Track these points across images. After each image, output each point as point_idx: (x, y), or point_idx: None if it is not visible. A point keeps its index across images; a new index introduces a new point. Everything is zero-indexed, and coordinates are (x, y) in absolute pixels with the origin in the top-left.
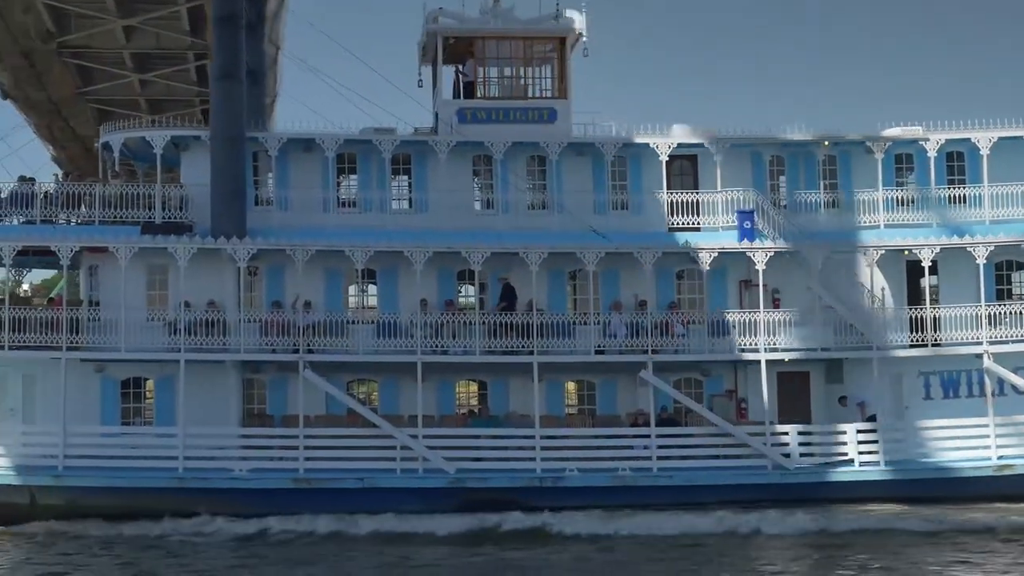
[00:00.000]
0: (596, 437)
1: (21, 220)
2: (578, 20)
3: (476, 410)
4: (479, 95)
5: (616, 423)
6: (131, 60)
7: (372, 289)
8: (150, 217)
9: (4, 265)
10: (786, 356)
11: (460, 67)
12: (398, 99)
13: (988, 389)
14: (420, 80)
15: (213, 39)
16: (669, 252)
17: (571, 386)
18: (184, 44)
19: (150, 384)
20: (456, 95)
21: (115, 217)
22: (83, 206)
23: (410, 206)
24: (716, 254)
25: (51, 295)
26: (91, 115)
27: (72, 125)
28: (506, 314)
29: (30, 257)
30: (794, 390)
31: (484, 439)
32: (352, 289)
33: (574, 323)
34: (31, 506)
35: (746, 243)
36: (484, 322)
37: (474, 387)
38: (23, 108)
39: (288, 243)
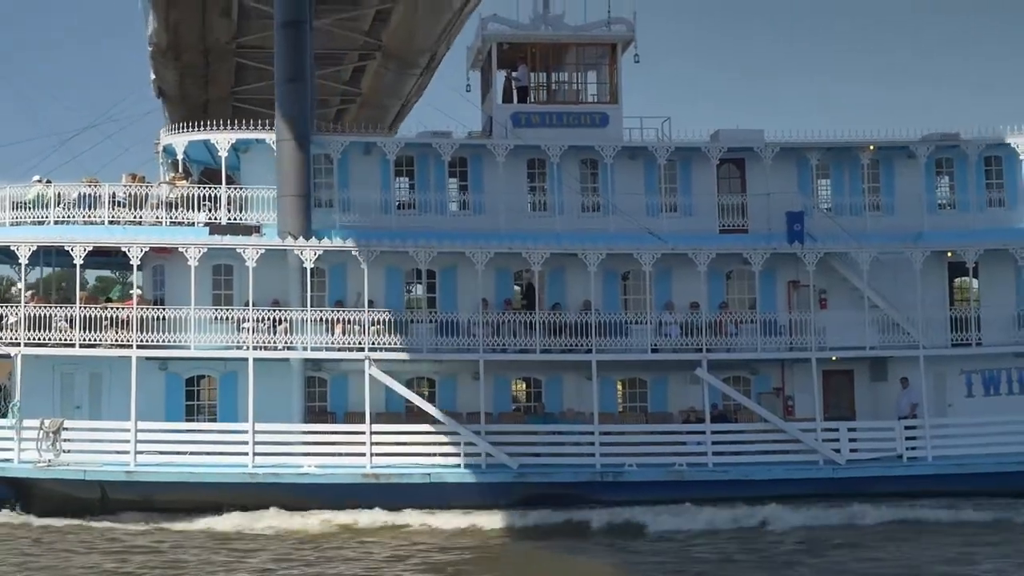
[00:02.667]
0: (654, 433)
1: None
2: (629, 27)
3: (532, 407)
4: (531, 100)
5: (668, 420)
6: None
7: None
8: (211, 219)
9: (76, 265)
10: (834, 355)
11: (512, 72)
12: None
13: None
14: (468, 85)
15: (278, 43)
16: (723, 253)
17: (623, 384)
18: (356, 44)
19: (212, 381)
20: (507, 99)
21: (177, 219)
22: (148, 207)
23: (465, 208)
24: (768, 255)
25: (110, 296)
26: (230, 114)
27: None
28: (527, 313)
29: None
30: (839, 388)
31: (544, 435)
32: (414, 289)
33: (628, 322)
34: (102, 501)
35: (796, 245)
36: (544, 322)
37: (522, 384)
38: (173, 107)
39: (355, 244)
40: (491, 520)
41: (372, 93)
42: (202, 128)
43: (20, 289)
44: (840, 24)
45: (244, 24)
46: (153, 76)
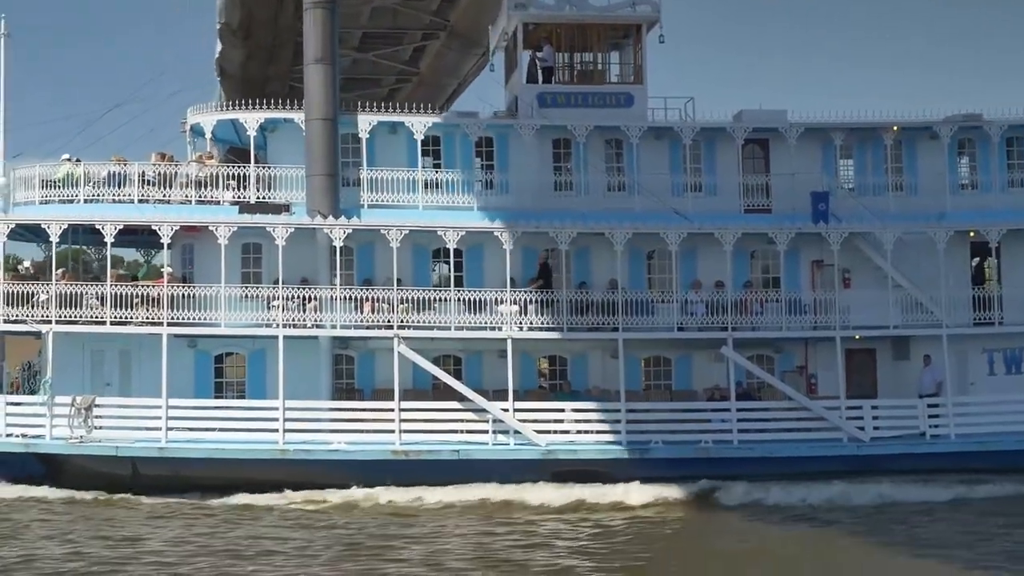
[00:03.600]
0: (680, 411)
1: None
2: (654, 7)
3: (558, 385)
4: (556, 80)
5: (693, 398)
6: (358, 39)
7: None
8: (238, 197)
9: (107, 243)
10: (858, 335)
11: (536, 52)
12: None
13: None
14: (492, 65)
15: (306, 23)
16: (748, 233)
17: (647, 362)
18: (421, 23)
19: (240, 358)
20: (532, 80)
21: (204, 198)
22: (177, 186)
23: (490, 187)
24: (793, 235)
25: (138, 275)
26: (286, 93)
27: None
28: (543, 291)
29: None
30: (861, 366)
31: (571, 412)
32: (438, 267)
33: (653, 301)
34: (133, 477)
35: (821, 225)
36: (570, 300)
37: (546, 362)
38: (232, 85)
39: (384, 223)
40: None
41: (431, 72)
42: (232, 107)
43: (27, 267)
44: (856, 11)
45: None
46: (217, 54)
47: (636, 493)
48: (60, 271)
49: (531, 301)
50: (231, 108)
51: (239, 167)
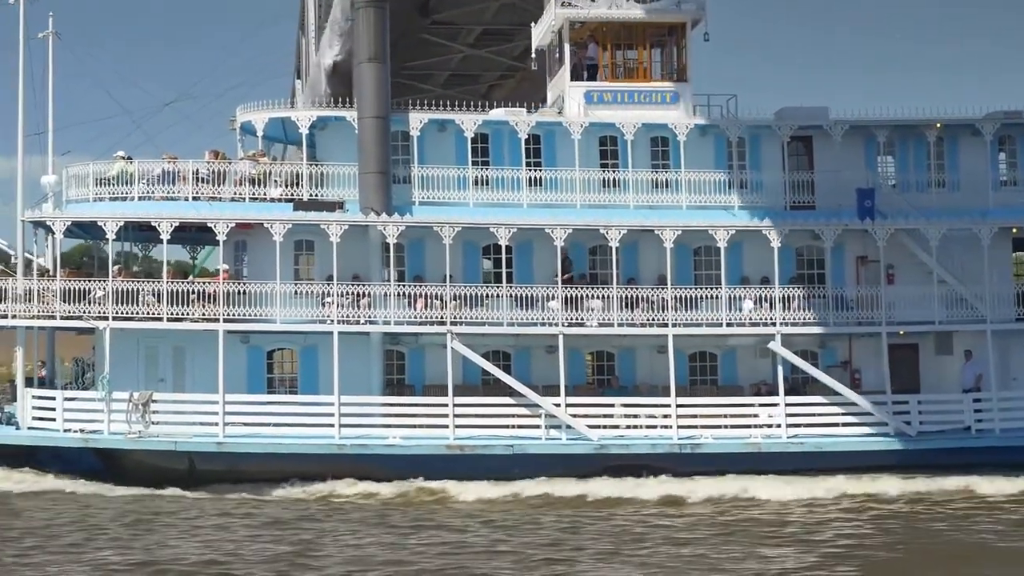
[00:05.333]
0: (730, 405)
1: (161, 198)
2: (699, 5)
3: (607, 380)
4: (600, 77)
5: (739, 392)
6: (475, 36)
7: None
8: (285, 194)
9: (163, 241)
10: (903, 330)
11: (581, 50)
12: None
13: None
14: (534, 62)
15: (358, 22)
16: (795, 230)
17: (692, 357)
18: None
19: (291, 354)
20: (576, 77)
21: (256, 195)
22: (229, 183)
23: (538, 184)
24: (839, 232)
25: (194, 272)
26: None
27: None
28: (567, 286)
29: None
30: (904, 361)
31: (622, 407)
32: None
33: (701, 297)
34: (190, 471)
35: (867, 221)
36: (621, 296)
37: (590, 358)
38: (340, 81)
39: (437, 220)
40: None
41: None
42: (338, 103)
43: (45, 264)
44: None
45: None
46: (316, 53)
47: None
48: (116, 268)
49: (582, 297)
50: (281, 106)
51: (293, 164)
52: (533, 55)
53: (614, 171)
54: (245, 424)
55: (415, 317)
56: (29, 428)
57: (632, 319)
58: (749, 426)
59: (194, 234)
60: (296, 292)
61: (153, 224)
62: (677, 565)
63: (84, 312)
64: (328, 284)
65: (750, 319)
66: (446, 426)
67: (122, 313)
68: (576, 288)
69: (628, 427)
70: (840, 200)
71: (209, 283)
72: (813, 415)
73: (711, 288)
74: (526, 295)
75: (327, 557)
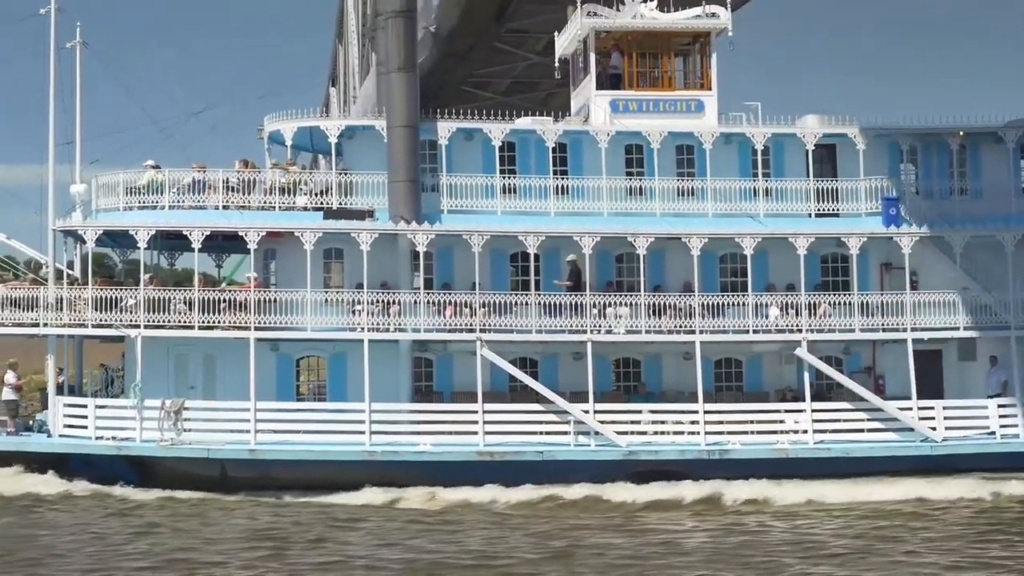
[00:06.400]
0: (759, 411)
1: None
2: (723, 15)
3: (633, 386)
4: (625, 86)
5: (764, 399)
6: (543, 44)
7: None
8: (310, 203)
9: (193, 249)
10: (928, 335)
11: (605, 59)
12: None
13: None
14: (558, 71)
15: (388, 32)
16: (821, 237)
17: (718, 363)
18: None
19: (319, 362)
20: (600, 86)
21: (285, 204)
22: (258, 192)
23: (564, 192)
24: (864, 239)
25: (224, 280)
26: (455, 96)
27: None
28: (573, 293)
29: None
30: (928, 367)
31: (649, 413)
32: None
33: (727, 304)
34: (222, 478)
35: (892, 228)
36: (647, 304)
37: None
38: None
39: (467, 228)
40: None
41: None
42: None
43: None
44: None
45: (521, 9)
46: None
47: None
48: (147, 276)
49: (610, 304)
50: (308, 115)
51: (323, 173)
52: (556, 64)
53: (640, 179)
54: (274, 431)
55: (444, 324)
56: (60, 436)
57: (659, 326)
58: (775, 432)
59: (220, 243)
60: (326, 300)
61: (184, 233)
62: None
63: (116, 320)
64: (358, 292)
65: (776, 326)
66: (476, 432)
67: (153, 321)
68: (603, 296)
69: (655, 433)
70: (864, 208)
71: (240, 291)
72: (839, 420)
73: (738, 295)
74: (554, 302)
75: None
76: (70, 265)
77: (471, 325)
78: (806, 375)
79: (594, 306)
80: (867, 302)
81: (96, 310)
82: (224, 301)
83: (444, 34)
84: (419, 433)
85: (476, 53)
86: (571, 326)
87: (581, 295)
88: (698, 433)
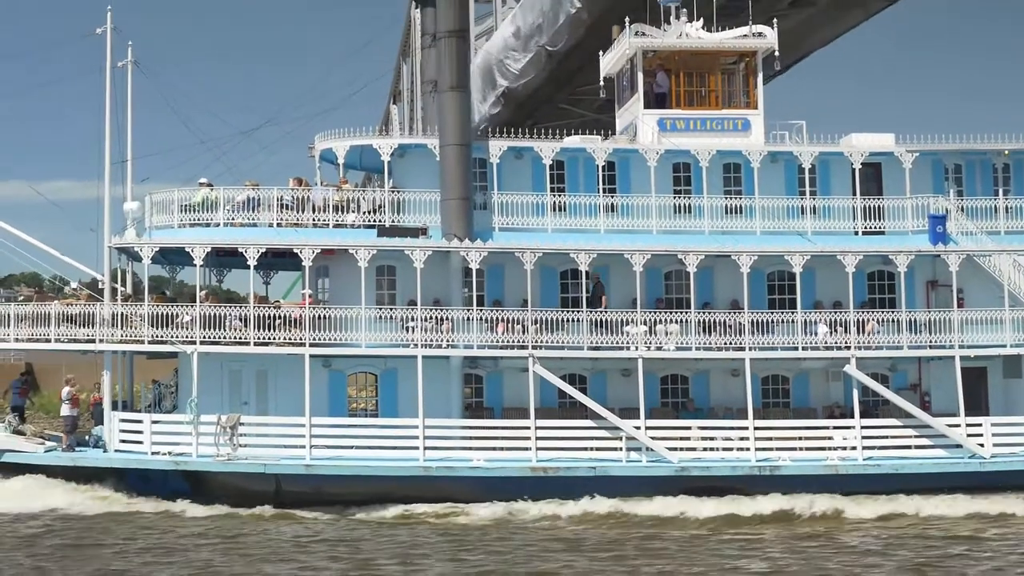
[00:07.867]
0: (808, 428)
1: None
2: (770, 35)
3: (681, 403)
4: (670, 105)
5: (811, 415)
6: None
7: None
8: (360, 221)
9: (249, 266)
10: (975, 353)
11: (652, 78)
12: None
13: None
14: (603, 90)
15: (440, 51)
16: (869, 255)
17: (765, 380)
18: None
19: (371, 378)
20: (647, 105)
21: (337, 222)
22: (311, 210)
23: (613, 210)
24: (912, 257)
25: (283, 297)
26: (552, 113)
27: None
28: (594, 310)
29: (231, 257)
30: (973, 384)
31: (700, 430)
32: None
33: (776, 321)
34: (276, 493)
35: (940, 246)
36: (698, 321)
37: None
38: (508, 107)
39: (519, 246)
40: None
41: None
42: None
43: (74, 289)
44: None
45: None
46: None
47: None
48: (203, 293)
49: (659, 321)
50: (359, 134)
51: (376, 191)
52: (602, 83)
53: (688, 197)
54: (327, 447)
55: (496, 341)
56: (116, 451)
57: (709, 343)
58: (823, 448)
59: (270, 260)
60: (380, 316)
61: (240, 250)
62: None
63: (172, 336)
64: (411, 308)
65: (825, 343)
66: (528, 448)
67: (209, 338)
68: (652, 313)
69: (704, 449)
70: (909, 225)
71: (294, 308)
72: (887, 437)
73: (786, 312)
74: (606, 319)
75: None
76: (123, 281)
77: (523, 342)
78: (855, 392)
79: (640, 323)
80: (914, 319)
81: (152, 326)
82: (279, 318)
83: (562, 53)
84: (471, 449)
85: (584, 73)
86: (622, 343)
87: (603, 311)
88: (748, 449)
